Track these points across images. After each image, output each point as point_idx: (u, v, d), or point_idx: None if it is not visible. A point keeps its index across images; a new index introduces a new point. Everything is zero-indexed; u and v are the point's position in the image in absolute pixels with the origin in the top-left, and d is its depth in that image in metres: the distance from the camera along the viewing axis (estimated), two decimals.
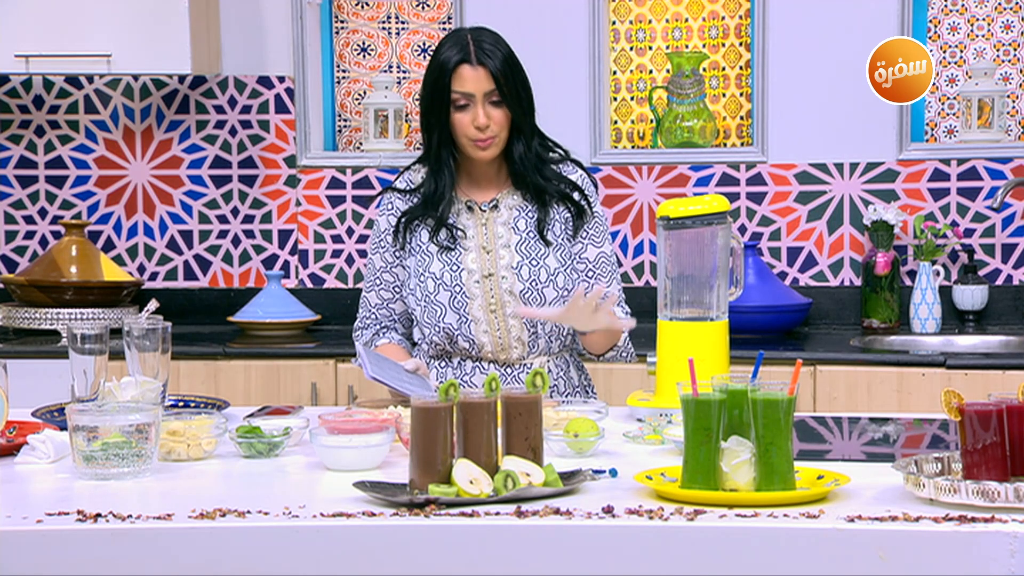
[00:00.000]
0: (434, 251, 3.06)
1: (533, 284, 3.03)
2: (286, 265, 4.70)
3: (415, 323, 3.10)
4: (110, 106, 4.73)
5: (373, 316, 3.15)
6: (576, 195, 3.10)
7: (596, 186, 3.21)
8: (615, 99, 4.67)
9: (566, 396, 3.10)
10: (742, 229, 4.53)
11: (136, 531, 2.03)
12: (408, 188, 3.12)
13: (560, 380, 3.11)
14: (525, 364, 3.07)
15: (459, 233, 3.07)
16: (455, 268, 3.05)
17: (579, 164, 3.17)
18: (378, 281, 3.14)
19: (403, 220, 3.09)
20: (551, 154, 3.13)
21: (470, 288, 3.03)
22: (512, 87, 3.02)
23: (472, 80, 3.00)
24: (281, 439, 2.54)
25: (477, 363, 3.06)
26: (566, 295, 3.04)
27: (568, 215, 3.09)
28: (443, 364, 3.09)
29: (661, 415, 2.79)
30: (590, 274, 3.11)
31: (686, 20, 4.63)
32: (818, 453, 2.50)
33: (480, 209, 3.10)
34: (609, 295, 2.86)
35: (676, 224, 2.89)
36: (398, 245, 3.10)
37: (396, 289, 3.12)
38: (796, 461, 2.18)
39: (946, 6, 4.56)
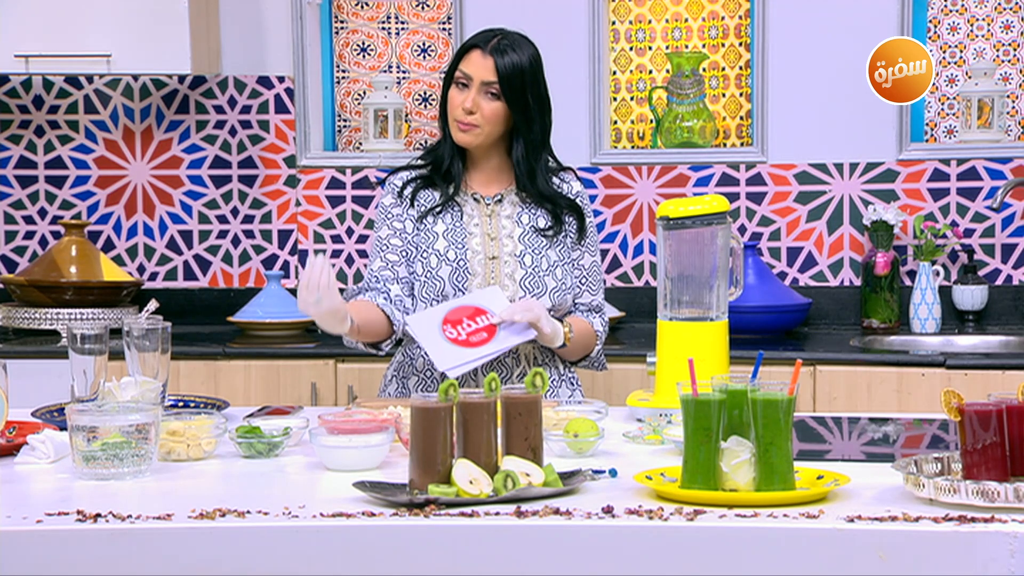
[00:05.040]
0: (440, 231, 3.10)
1: (535, 271, 3.08)
2: (286, 265, 4.70)
3: (413, 299, 3.12)
4: (110, 106, 4.73)
5: (374, 278, 3.13)
6: (575, 207, 3.17)
7: (594, 198, 3.25)
8: (615, 99, 4.67)
9: (551, 382, 3.13)
10: (742, 229, 4.53)
11: (136, 531, 2.03)
12: (415, 164, 3.19)
13: (546, 364, 3.14)
14: (510, 350, 3.08)
15: (460, 213, 3.12)
16: (460, 247, 3.09)
17: (575, 173, 3.23)
18: (384, 247, 3.14)
19: (415, 183, 3.15)
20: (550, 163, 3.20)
21: (473, 266, 3.08)
22: (516, 90, 3.06)
23: (476, 65, 3.08)
24: (281, 439, 2.54)
25: None
26: (565, 286, 3.10)
27: (574, 228, 3.16)
28: None
29: (661, 415, 2.79)
30: (583, 281, 3.19)
31: (686, 20, 4.63)
32: (818, 453, 2.51)
33: (485, 202, 3.14)
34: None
35: (676, 224, 2.89)
36: (407, 220, 3.13)
37: (403, 253, 3.13)
38: (796, 461, 2.18)
39: (946, 6, 4.56)
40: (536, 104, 3.10)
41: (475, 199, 3.15)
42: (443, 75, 3.19)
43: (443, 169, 3.15)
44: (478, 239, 3.11)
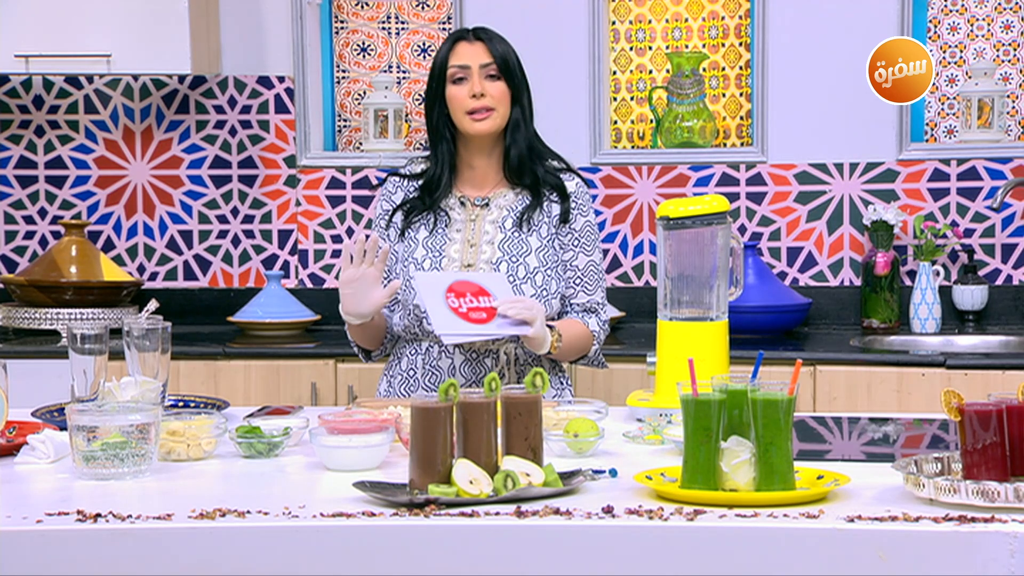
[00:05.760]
0: (420, 239, 3.11)
1: (510, 279, 3.06)
2: (286, 265, 4.70)
3: (395, 308, 3.13)
4: (110, 106, 4.73)
5: None
6: (565, 193, 3.16)
7: (594, 197, 3.24)
8: (615, 99, 4.67)
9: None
10: (742, 229, 4.53)
11: (136, 531, 2.03)
12: (411, 174, 3.19)
13: (528, 365, 3.12)
14: (491, 350, 3.08)
15: (445, 219, 3.12)
16: (437, 255, 3.09)
17: (577, 173, 3.21)
18: None
19: (403, 207, 3.15)
20: (552, 162, 3.19)
21: None
22: (512, 66, 3.12)
23: (468, 53, 3.11)
24: (281, 439, 2.54)
25: (444, 347, 3.07)
26: (545, 294, 3.09)
27: (556, 213, 3.13)
28: (413, 351, 3.13)
29: (661, 415, 2.79)
30: (578, 282, 3.17)
31: (686, 20, 4.63)
32: (818, 453, 2.51)
33: (472, 204, 3.13)
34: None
35: (676, 224, 2.89)
36: (391, 229, 3.15)
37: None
38: (796, 461, 2.18)
39: (946, 6, 4.56)
40: (525, 85, 3.15)
41: (461, 202, 3.15)
42: (427, 83, 3.18)
43: (434, 179, 3.14)
44: (457, 246, 3.11)
